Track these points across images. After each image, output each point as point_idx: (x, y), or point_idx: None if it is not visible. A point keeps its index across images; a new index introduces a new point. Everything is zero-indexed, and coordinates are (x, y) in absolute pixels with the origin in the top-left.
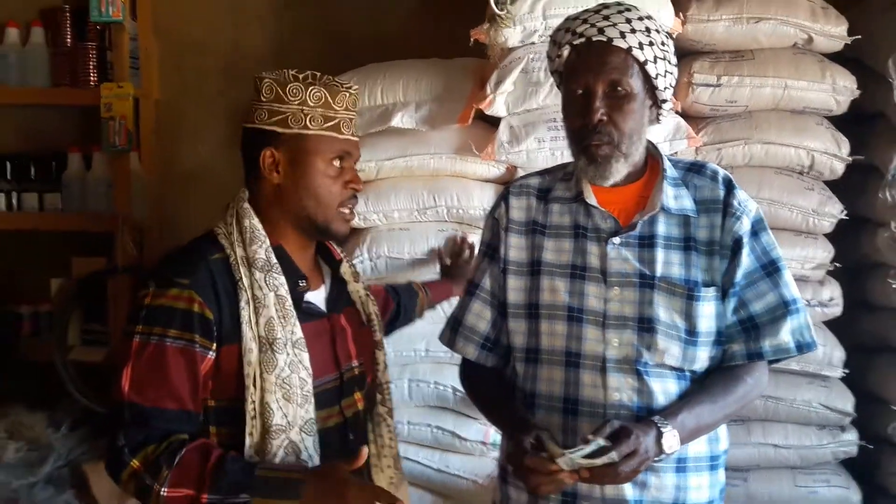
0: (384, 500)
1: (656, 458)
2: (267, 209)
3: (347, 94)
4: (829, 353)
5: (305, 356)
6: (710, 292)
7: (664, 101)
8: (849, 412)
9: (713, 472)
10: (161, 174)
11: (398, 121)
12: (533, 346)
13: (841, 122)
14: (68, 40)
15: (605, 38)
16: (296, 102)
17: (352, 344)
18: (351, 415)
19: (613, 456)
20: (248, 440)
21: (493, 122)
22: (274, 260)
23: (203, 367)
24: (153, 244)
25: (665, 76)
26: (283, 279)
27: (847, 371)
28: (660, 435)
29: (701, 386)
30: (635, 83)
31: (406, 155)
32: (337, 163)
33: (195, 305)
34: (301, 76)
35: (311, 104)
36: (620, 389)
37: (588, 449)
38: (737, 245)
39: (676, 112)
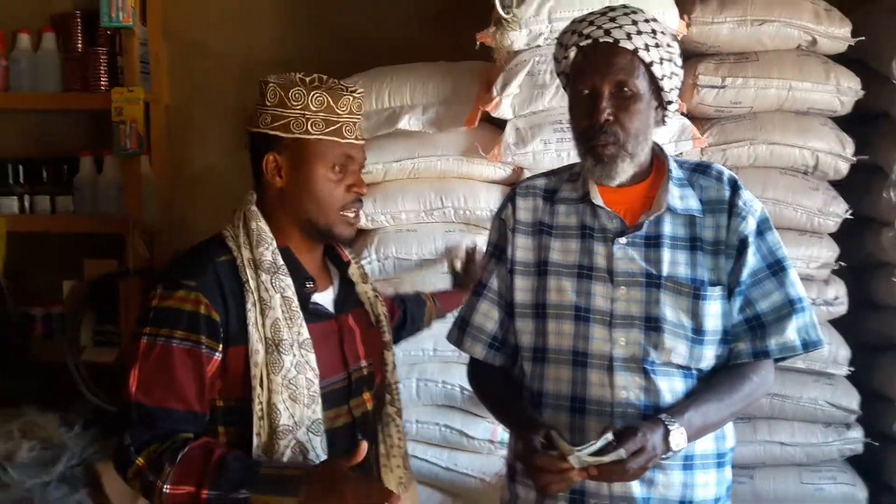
0: (383, 496)
1: (664, 456)
2: (273, 212)
3: (351, 98)
4: (835, 352)
5: (312, 357)
6: (717, 291)
7: (670, 102)
8: (854, 410)
9: (720, 469)
10: (171, 177)
11: (405, 123)
12: (540, 346)
13: (845, 123)
14: (79, 46)
15: (611, 40)
16: (298, 107)
17: (360, 344)
18: (359, 415)
19: (622, 453)
20: (255, 440)
21: (500, 125)
22: (280, 262)
23: (209, 369)
24: (163, 246)
25: (671, 78)
26: (289, 281)
27: (852, 369)
28: (667, 432)
29: (707, 384)
30: (641, 84)
31: (413, 157)
32: (339, 167)
33: (202, 307)
34: (308, 79)
35: (313, 109)
36: (627, 388)
37: (598, 444)
38: (742, 245)
39: (681, 113)
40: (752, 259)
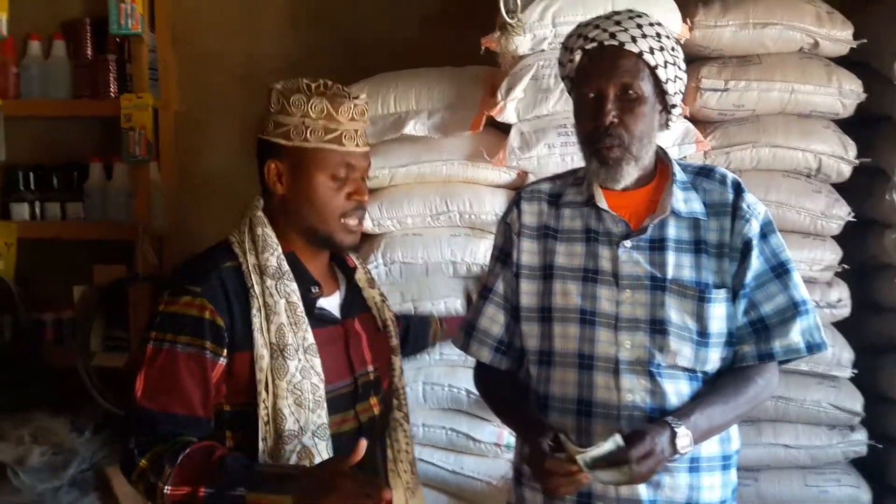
0: (375, 489)
1: (670, 459)
2: (277, 218)
3: (353, 105)
4: (838, 354)
5: (317, 362)
6: (721, 294)
7: (674, 105)
8: (858, 412)
9: (725, 471)
10: (180, 184)
11: (411, 128)
12: (546, 349)
13: (847, 126)
14: (89, 53)
15: (616, 43)
16: (298, 114)
17: (367, 349)
18: (366, 419)
19: (630, 456)
20: (261, 445)
21: (505, 129)
22: (286, 267)
23: (214, 374)
24: (172, 252)
25: (675, 81)
26: (294, 286)
27: (856, 371)
28: (674, 435)
29: (713, 387)
30: (646, 87)
31: (419, 162)
32: (338, 175)
33: (206, 313)
34: (313, 85)
35: (313, 116)
36: (633, 391)
37: (605, 446)
38: (746, 247)
39: (685, 117)
40: (755, 262)
